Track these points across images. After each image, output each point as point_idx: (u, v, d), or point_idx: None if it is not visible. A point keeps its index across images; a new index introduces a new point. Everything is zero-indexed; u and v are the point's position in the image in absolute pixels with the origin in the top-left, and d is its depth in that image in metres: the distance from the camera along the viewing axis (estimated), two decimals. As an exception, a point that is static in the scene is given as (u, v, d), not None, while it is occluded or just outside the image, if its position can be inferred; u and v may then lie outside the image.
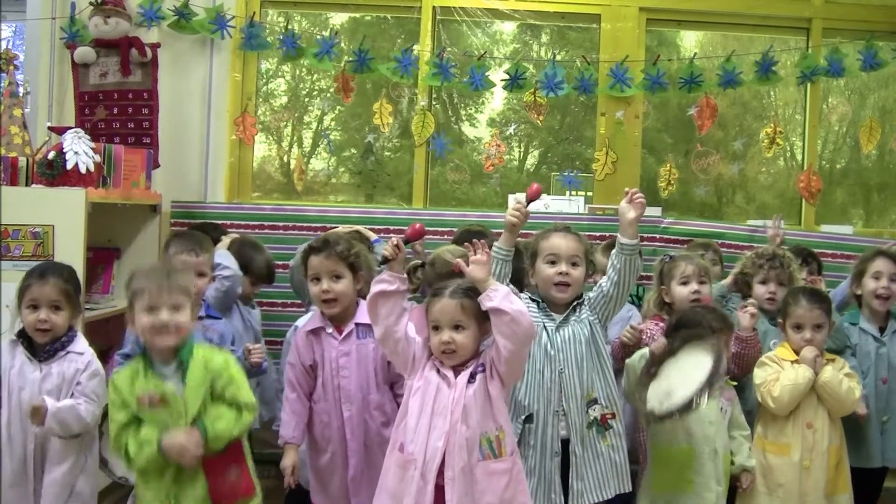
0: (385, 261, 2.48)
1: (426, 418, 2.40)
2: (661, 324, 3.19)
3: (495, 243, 2.78)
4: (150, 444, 2.33)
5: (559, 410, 2.70)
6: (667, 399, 2.74)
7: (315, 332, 2.88)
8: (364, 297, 2.81)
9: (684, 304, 3.19)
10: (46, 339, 2.68)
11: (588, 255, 2.88)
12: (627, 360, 2.96)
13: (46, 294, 2.67)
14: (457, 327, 2.42)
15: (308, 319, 2.98)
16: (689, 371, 2.75)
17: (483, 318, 2.44)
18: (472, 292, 2.47)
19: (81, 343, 2.76)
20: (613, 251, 2.79)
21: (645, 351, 2.90)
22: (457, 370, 2.44)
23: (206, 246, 3.20)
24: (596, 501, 2.70)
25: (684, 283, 3.22)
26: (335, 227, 3.94)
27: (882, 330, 3.44)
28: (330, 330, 2.86)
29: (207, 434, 2.36)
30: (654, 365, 2.82)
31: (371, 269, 2.99)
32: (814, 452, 2.97)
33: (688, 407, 2.64)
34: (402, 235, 2.60)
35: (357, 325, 2.87)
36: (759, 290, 3.44)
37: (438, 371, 2.44)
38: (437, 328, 2.44)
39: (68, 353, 2.70)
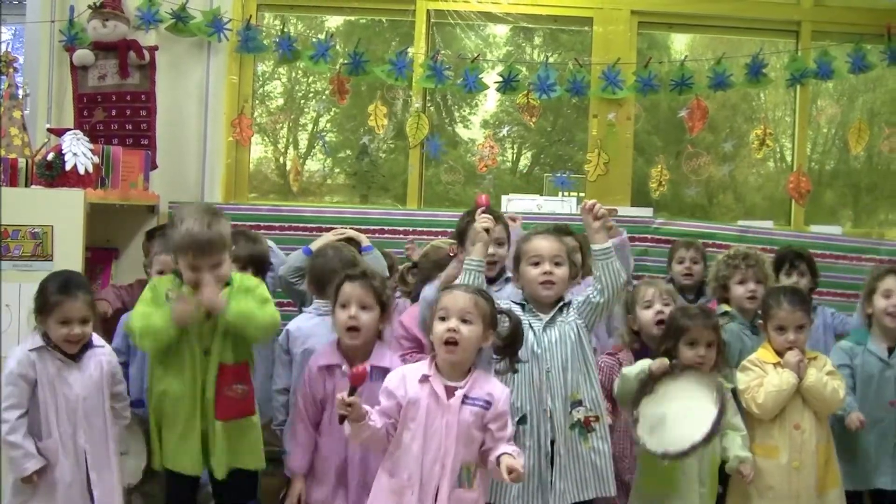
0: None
1: (419, 442, 2.40)
2: (619, 356, 3.20)
3: (468, 257, 2.78)
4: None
5: (546, 410, 2.72)
6: (660, 425, 2.80)
7: (329, 369, 2.85)
8: (381, 337, 2.88)
9: (650, 327, 3.19)
10: (76, 349, 2.79)
11: (570, 256, 2.91)
12: (624, 370, 2.98)
13: (78, 310, 2.75)
14: (465, 320, 2.42)
15: (321, 352, 2.93)
16: (688, 406, 2.79)
17: (489, 325, 2.46)
18: (486, 294, 2.51)
19: (97, 338, 2.90)
20: (592, 260, 2.84)
21: (644, 364, 2.90)
22: (449, 390, 2.43)
23: None
24: (575, 501, 2.73)
25: (647, 307, 3.21)
26: (331, 228, 3.97)
27: (890, 351, 3.35)
28: (345, 368, 2.82)
29: (230, 307, 2.72)
30: (652, 383, 2.86)
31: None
32: (803, 453, 2.98)
33: (688, 453, 2.71)
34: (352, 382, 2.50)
35: (373, 367, 2.76)
36: (739, 290, 3.44)
37: (426, 380, 2.43)
38: (443, 318, 2.43)
39: (93, 347, 2.84)
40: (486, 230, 2.74)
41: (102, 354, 2.86)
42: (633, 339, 3.26)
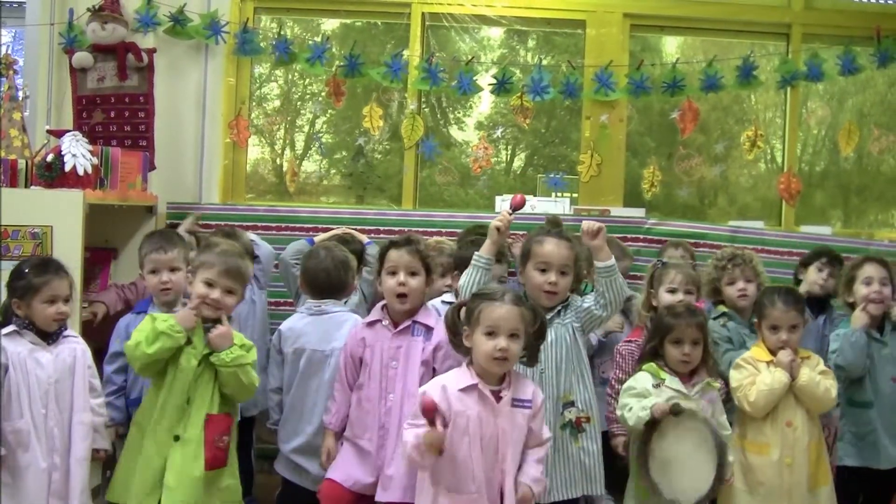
0: None
1: (477, 451, 2.40)
2: (640, 341, 3.18)
3: (476, 252, 2.82)
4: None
5: None
6: (668, 468, 2.80)
7: (371, 325, 2.97)
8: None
9: None
10: (58, 328, 2.86)
11: (578, 260, 2.90)
12: (630, 420, 2.90)
13: (64, 289, 2.84)
14: (513, 335, 2.42)
15: (370, 314, 3.06)
16: (690, 455, 2.81)
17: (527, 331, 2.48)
18: (525, 300, 2.52)
19: (70, 330, 2.96)
20: (596, 276, 2.85)
21: (644, 414, 2.82)
22: (494, 394, 2.44)
23: (175, 242, 3.34)
24: (562, 499, 2.75)
25: (672, 292, 3.25)
26: (327, 228, 4.03)
27: (881, 331, 3.40)
28: (385, 322, 2.94)
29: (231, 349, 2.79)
30: (657, 423, 2.84)
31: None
32: (795, 450, 2.99)
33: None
34: None
35: (415, 322, 2.92)
36: (729, 290, 3.46)
37: (473, 389, 2.42)
38: (492, 334, 2.41)
39: (67, 336, 2.89)
40: (499, 230, 2.78)
41: (76, 343, 2.91)
42: (650, 317, 3.25)
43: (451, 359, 2.81)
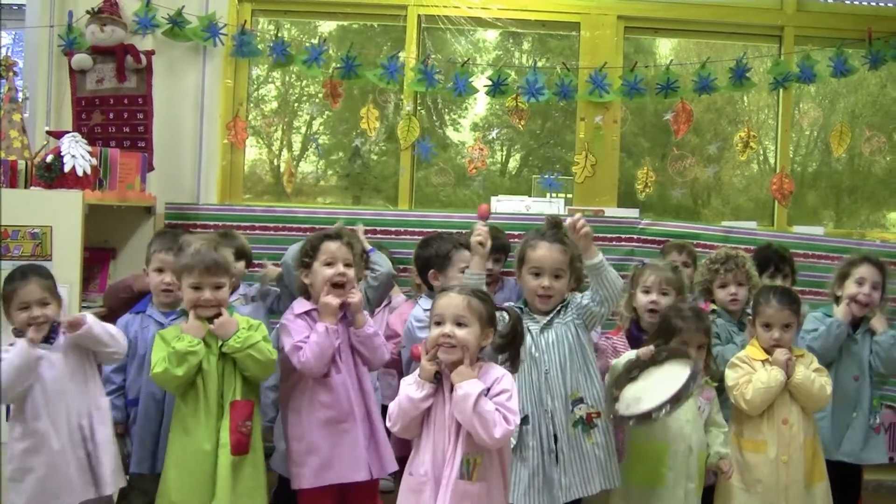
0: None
1: (431, 438, 2.44)
2: (615, 339, 3.24)
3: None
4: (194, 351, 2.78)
5: (546, 410, 2.75)
6: (634, 404, 2.77)
7: (308, 314, 2.99)
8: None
9: (642, 312, 3.25)
10: (45, 331, 2.83)
11: (574, 262, 2.90)
12: (614, 361, 3.01)
13: (31, 293, 2.80)
14: (459, 324, 2.41)
15: (296, 304, 3.08)
16: (663, 384, 2.77)
17: (487, 324, 2.46)
18: (482, 294, 2.51)
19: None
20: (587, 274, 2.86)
21: (632, 354, 2.94)
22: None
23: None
24: (582, 496, 2.76)
25: (646, 292, 3.27)
26: (324, 229, 4.04)
27: (855, 328, 3.44)
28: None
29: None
30: (637, 369, 2.88)
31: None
32: (791, 447, 3.01)
33: (646, 417, 2.68)
34: None
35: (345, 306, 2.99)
36: (721, 293, 3.49)
37: (438, 383, 2.45)
38: (439, 323, 2.43)
39: (64, 333, 2.87)
40: (481, 244, 2.80)
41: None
42: (631, 319, 3.30)
43: (378, 338, 2.98)
